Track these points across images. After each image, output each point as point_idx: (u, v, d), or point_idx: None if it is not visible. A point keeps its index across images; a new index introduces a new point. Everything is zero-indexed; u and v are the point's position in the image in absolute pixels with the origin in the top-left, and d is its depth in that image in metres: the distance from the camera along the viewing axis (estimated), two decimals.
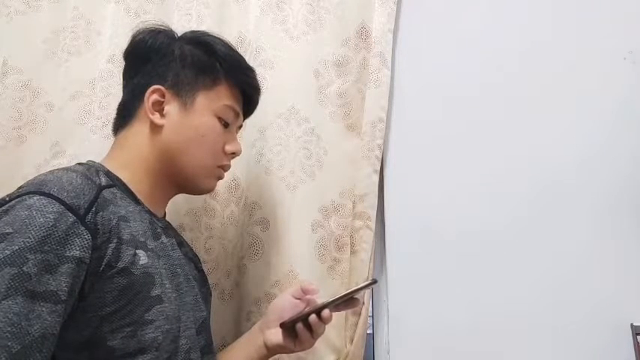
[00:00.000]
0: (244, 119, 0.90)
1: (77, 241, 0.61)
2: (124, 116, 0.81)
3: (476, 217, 1.04)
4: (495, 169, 1.06)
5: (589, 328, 0.96)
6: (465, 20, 1.15)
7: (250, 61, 0.95)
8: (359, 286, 0.80)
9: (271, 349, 0.84)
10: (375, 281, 0.80)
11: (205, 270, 0.91)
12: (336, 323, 0.94)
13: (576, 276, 0.98)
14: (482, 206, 1.04)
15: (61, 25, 1.16)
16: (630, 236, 0.99)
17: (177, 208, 1.00)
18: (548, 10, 1.12)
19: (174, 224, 0.89)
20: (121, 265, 0.64)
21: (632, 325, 0.95)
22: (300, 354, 0.92)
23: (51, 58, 1.14)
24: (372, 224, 1.01)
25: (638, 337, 0.94)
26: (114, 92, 1.06)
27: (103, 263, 0.63)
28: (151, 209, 0.77)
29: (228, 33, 1.07)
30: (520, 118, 1.08)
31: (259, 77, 0.91)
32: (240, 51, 0.91)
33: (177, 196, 0.85)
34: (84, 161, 0.76)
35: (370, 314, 1.01)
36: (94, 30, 1.15)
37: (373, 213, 1.02)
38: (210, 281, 0.90)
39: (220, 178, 0.85)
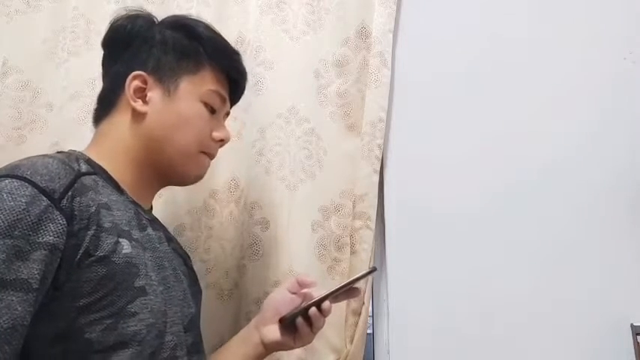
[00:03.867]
0: (232, 105, 0.87)
1: (51, 226, 0.58)
2: (105, 106, 0.77)
3: (476, 217, 1.04)
4: (496, 170, 1.06)
5: (589, 328, 0.96)
6: (465, 20, 1.15)
7: (250, 61, 0.95)
8: (358, 275, 0.79)
9: (269, 347, 0.81)
10: (374, 269, 0.80)
11: (205, 270, 0.91)
12: (336, 323, 0.94)
13: (576, 275, 0.98)
14: (483, 206, 1.04)
15: (61, 25, 1.16)
16: (630, 236, 0.99)
17: (177, 207, 1.00)
18: (549, 10, 1.12)
19: (174, 224, 0.89)
20: (100, 253, 0.61)
21: (632, 325, 0.94)
22: (300, 354, 0.92)
23: (51, 58, 1.14)
24: (372, 224, 1.01)
25: (638, 337, 0.94)
26: None
27: (80, 251, 0.60)
28: (136, 200, 0.74)
29: (228, 33, 1.07)
30: (520, 118, 1.07)
31: (259, 77, 0.90)
32: (240, 51, 0.90)
33: (177, 195, 0.84)
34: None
35: (370, 314, 1.01)
36: (94, 30, 1.15)
37: (373, 213, 1.02)
38: (209, 281, 0.90)
39: (206, 165, 0.81)
